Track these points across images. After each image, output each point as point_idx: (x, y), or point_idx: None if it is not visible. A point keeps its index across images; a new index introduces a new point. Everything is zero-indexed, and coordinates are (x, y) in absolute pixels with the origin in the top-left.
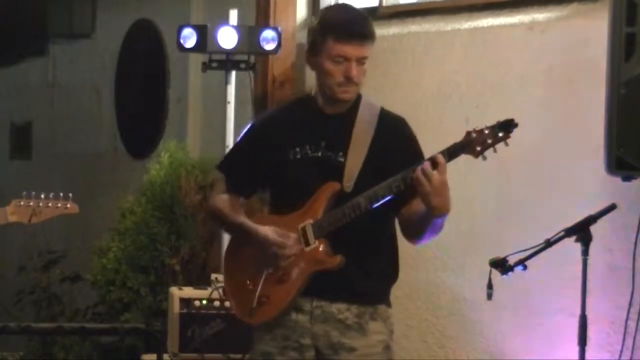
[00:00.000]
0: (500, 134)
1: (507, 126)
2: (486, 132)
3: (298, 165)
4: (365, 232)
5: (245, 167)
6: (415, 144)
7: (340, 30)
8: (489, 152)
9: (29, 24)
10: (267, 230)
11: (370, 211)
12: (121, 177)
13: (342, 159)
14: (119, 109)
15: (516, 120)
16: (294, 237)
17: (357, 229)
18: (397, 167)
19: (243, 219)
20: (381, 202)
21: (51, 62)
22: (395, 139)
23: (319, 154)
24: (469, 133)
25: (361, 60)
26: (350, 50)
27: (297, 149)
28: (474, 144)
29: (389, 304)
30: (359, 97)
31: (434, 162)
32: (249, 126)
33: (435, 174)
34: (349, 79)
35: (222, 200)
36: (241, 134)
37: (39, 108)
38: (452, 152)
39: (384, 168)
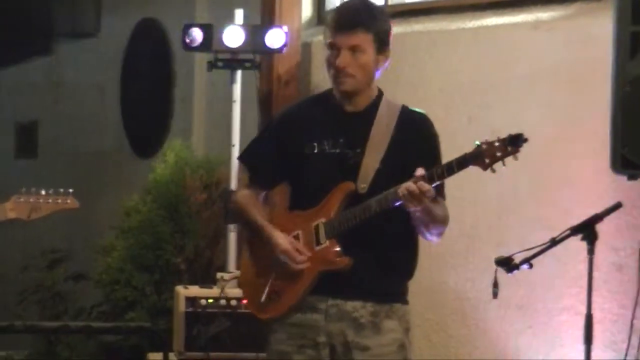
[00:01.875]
0: (510, 148)
1: (517, 140)
2: (496, 144)
3: (315, 160)
4: (382, 230)
5: (266, 160)
6: (433, 142)
7: (331, 19)
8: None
9: (34, 23)
10: (282, 240)
11: (385, 211)
12: (126, 176)
13: (359, 158)
14: (124, 108)
15: (525, 135)
16: (305, 252)
17: (374, 227)
18: (415, 166)
19: (261, 221)
20: (390, 206)
21: (56, 61)
22: (414, 137)
23: (337, 151)
24: (479, 145)
25: (354, 49)
26: (338, 39)
27: (315, 144)
28: (483, 156)
29: (405, 302)
30: (380, 95)
31: (420, 188)
32: (270, 119)
33: (419, 197)
34: (337, 69)
35: (244, 196)
36: (263, 127)
37: (44, 107)
38: (461, 163)
39: (402, 168)
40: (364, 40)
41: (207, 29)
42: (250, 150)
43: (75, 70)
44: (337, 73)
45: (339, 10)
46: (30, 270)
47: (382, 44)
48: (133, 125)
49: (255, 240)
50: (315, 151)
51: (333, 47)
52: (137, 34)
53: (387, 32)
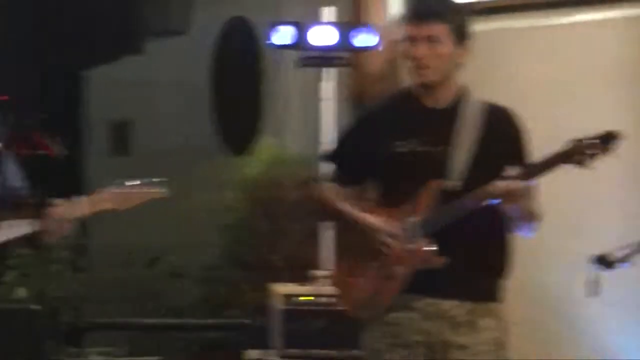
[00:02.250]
0: (602, 146)
1: (610, 138)
2: (588, 142)
3: (404, 159)
4: (475, 228)
5: (352, 159)
6: (521, 138)
7: (408, 11)
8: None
9: (125, 21)
10: (374, 219)
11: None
12: (219, 173)
13: (448, 155)
14: (215, 106)
15: (618, 133)
16: (400, 228)
17: (467, 225)
18: (504, 162)
19: (347, 207)
20: (485, 204)
21: (147, 60)
22: (501, 133)
23: (424, 149)
24: (570, 142)
25: (430, 39)
26: (414, 29)
27: (403, 143)
28: (576, 154)
29: (501, 300)
30: (463, 91)
31: (515, 187)
32: (356, 118)
33: (514, 196)
34: (415, 60)
35: (329, 189)
36: (347, 126)
37: (137, 105)
38: (554, 161)
39: (491, 164)
40: (440, 30)
41: (296, 27)
42: (335, 150)
43: (165, 69)
44: (414, 64)
45: (415, 2)
46: (129, 267)
47: (460, 35)
48: (224, 123)
49: (347, 238)
50: (403, 150)
51: (410, 39)
52: (226, 32)
53: (465, 24)
